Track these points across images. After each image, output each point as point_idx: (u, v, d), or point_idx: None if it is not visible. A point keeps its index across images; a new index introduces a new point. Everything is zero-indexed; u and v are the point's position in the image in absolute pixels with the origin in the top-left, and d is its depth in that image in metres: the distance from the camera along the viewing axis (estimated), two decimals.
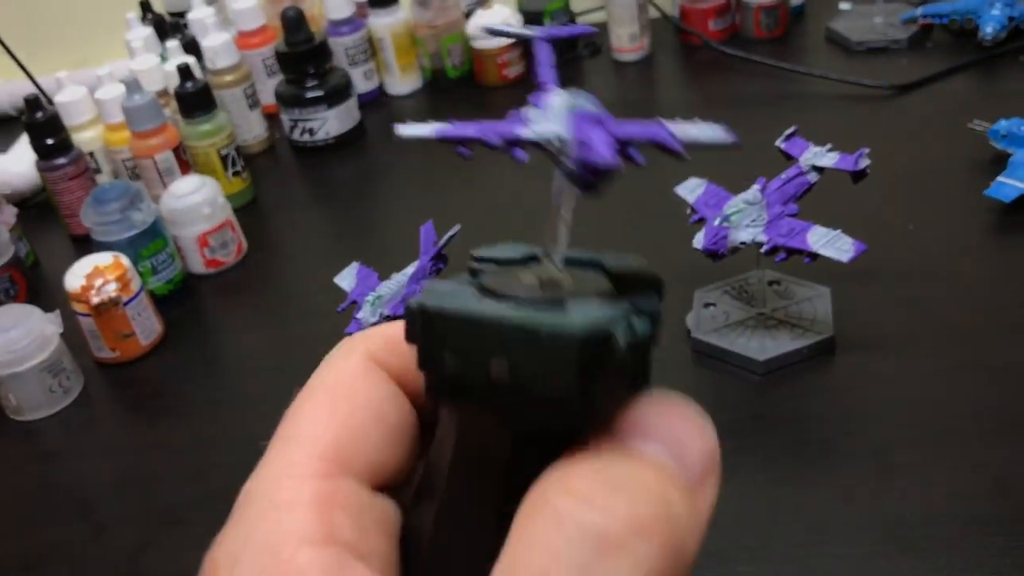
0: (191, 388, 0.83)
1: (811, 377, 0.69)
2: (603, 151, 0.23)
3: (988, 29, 1.04)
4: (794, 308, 0.73)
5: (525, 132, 0.24)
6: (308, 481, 0.24)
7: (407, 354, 0.25)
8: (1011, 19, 1.05)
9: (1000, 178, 0.81)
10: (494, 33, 0.32)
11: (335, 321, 0.74)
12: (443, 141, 0.25)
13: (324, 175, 1.12)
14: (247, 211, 1.04)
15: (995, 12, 1.04)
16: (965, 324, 0.71)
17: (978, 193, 0.82)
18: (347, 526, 0.23)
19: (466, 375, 0.23)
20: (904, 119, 0.99)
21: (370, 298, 0.67)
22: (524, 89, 1.23)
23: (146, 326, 0.85)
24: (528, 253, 0.27)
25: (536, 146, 0.24)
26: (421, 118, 1.07)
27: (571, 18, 1.22)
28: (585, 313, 0.22)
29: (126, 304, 0.82)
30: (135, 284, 0.84)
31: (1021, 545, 0.55)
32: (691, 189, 0.72)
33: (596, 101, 0.24)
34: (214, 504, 0.75)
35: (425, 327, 0.24)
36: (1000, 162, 0.84)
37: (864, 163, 0.67)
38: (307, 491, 0.24)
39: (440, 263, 0.71)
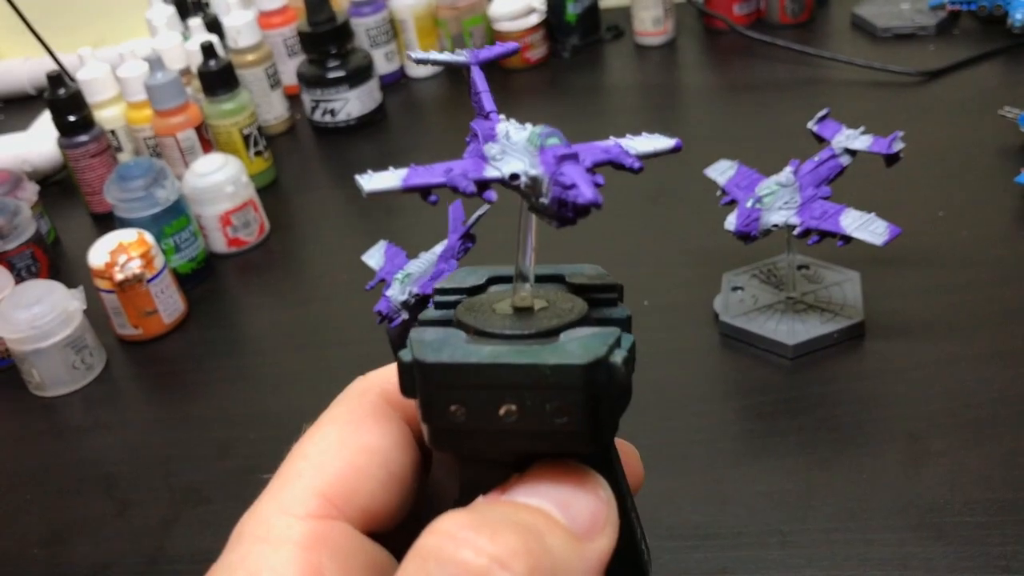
0: (214, 366, 0.83)
1: (841, 362, 0.68)
2: (587, 191, 0.22)
3: (1018, 16, 1.03)
4: (823, 292, 0.72)
5: (493, 173, 0.24)
6: (301, 520, 0.24)
7: None
8: None
9: None
10: (419, 62, 0.30)
11: (357, 300, 0.73)
12: (410, 191, 0.25)
13: (345, 156, 1.12)
14: (269, 191, 1.04)
15: None
16: (996, 310, 0.71)
17: (1008, 180, 0.81)
18: (334, 570, 0.23)
19: (474, 423, 0.23)
20: (933, 106, 0.98)
21: (399, 276, 0.66)
22: (546, 73, 1.23)
23: (169, 304, 0.84)
24: (490, 275, 0.27)
25: (504, 184, 0.24)
26: (442, 101, 1.04)
27: (594, 2, 1.21)
28: (580, 344, 0.23)
29: (150, 281, 0.82)
30: (159, 261, 0.83)
31: None
32: (722, 171, 0.71)
33: (559, 133, 0.24)
34: (237, 482, 0.75)
35: (425, 381, 0.23)
36: None
37: (898, 146, 0.66)
38: (298, 530, 0.24)
39: (469, 242, 0.70)
